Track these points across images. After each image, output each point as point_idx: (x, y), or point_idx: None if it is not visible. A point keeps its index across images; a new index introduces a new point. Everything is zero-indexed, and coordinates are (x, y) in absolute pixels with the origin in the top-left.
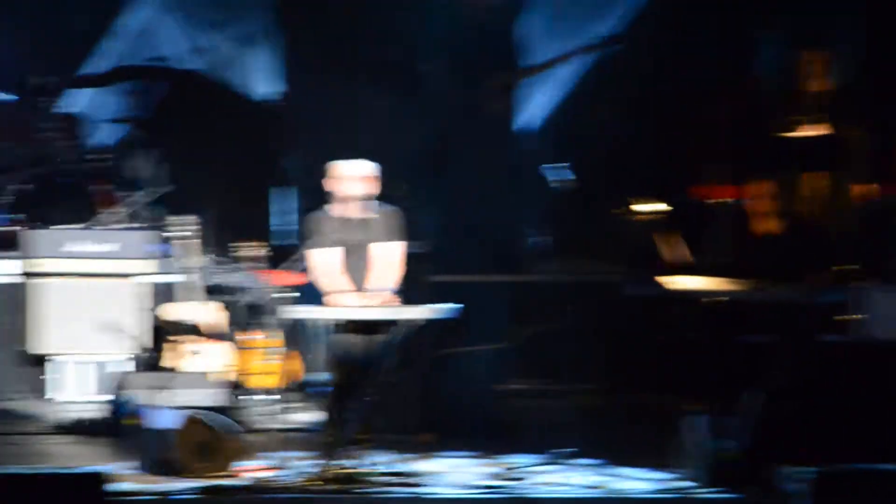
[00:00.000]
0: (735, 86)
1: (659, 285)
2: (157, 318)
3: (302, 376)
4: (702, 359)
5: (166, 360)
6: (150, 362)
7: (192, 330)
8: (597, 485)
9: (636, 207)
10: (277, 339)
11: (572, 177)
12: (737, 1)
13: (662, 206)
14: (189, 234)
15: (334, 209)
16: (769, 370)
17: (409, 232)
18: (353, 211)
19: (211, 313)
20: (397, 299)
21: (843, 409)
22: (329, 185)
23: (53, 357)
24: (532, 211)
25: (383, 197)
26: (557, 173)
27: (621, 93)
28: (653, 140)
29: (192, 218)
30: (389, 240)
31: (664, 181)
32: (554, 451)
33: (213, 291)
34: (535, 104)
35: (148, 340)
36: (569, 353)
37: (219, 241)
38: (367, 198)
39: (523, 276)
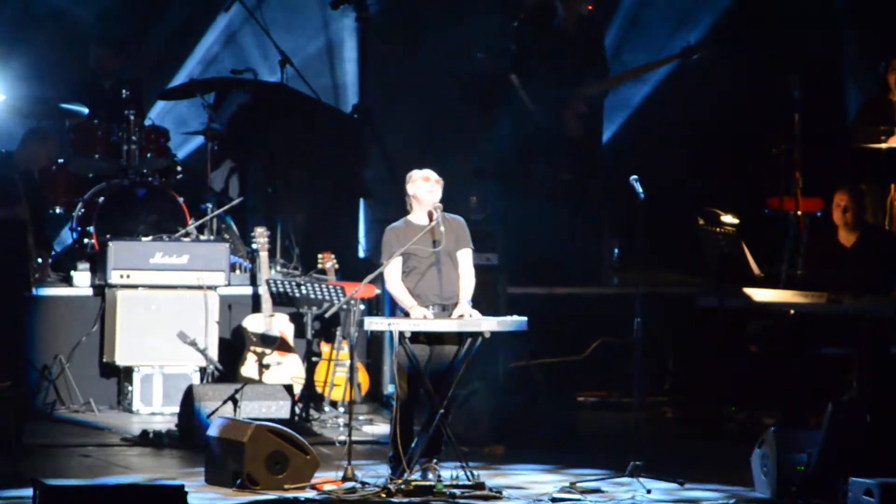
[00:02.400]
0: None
1: (734, 298)
2: (230, 330)
3: (367, 388)
4: (776, 371)
5: (239, 372)
6: (223, 374)
7: (265, 341)
8: (669, 497)
9: (714, 219)
10: (345, 351)
11: (645, 189)
12: (819, 10)
13: (740, 219)
14: (263, 245)
15: (409, 219)
16: (843, 383)
17: (484, 244)
18: (427, 220)
19: (283, 325)
20: (474, 310)
21: None
22: (407, 191)
23: (133, 368)
24: (607, 222)
25: (457, 209)
26: (634, 185)
27: (701, 103)
28: (732, 151)
29: (265, 230)
30: (463, 244)
31: (742, 193)
32: (626, 463)
33: (286, 303)
34: (617, 116)
35: (221, 352)
36: (642, 366)
37: (294, 252)
38: (440, 205)
39: (598, 289)
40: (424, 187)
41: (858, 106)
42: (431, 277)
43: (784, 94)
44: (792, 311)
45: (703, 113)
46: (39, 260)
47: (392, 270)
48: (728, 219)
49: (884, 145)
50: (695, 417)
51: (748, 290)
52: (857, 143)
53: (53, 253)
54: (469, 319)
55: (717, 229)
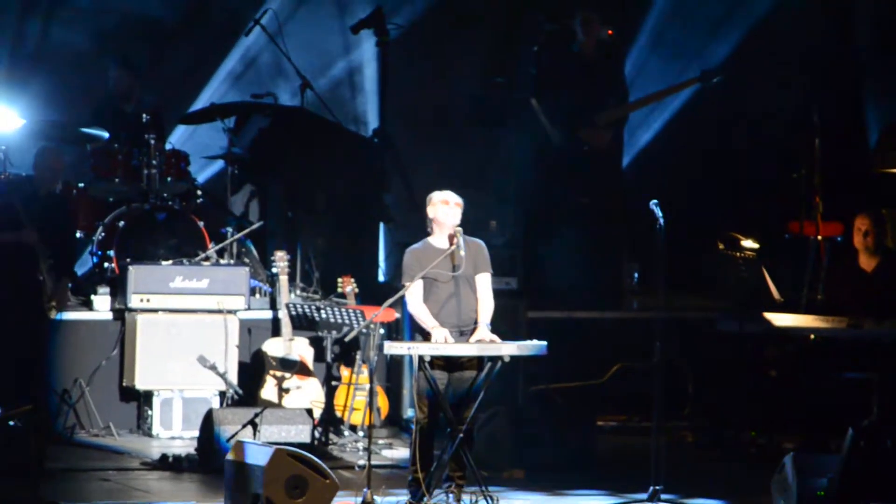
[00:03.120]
0: (838, 120)
1: (754, 322)
2: (250, 354)
3: (387, 413)
4: (796, 396)
5: (259, 396)
6: (242, 398)
7: (285, 365)
8: None
9: (734, 244)
10: (365, 375)
11: (664, 213)
12: (839, 36)
13: (760, 244)
14: (283, 269)
15: (429, 242)
16: (863, 408)
17: (503, 268)
18: (448, 243)
19: (302, 349)
20: (493, 335)
21: None
22: (427, 213)
23: (153, 392)
24: (626, 246)
25: (477, 233)
26: (654, 209)
27: (720, 127)
28: (752, 175)
29: (285, 254)
30: (482, 268)
31: (763, 217)
32: (646, 487)
33: (306, 327)
34: (638, 140)
35: (241, 376)
36: (662, 390)
37: (313, 276)
38: (460, 228)
39: (618, 313)
40: (444, 210)
41: (879, 130)
42: (450, 302)
43: (804, 119)
44: (812, 336)
45: (723, 137)
46: (70, 284)
47: (414, 293)
48: (748, 243)
49: None
50: (714, 442)
51: (768, 315)
52: (877, 168)
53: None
54: (489, 344)
55: (738, 254)
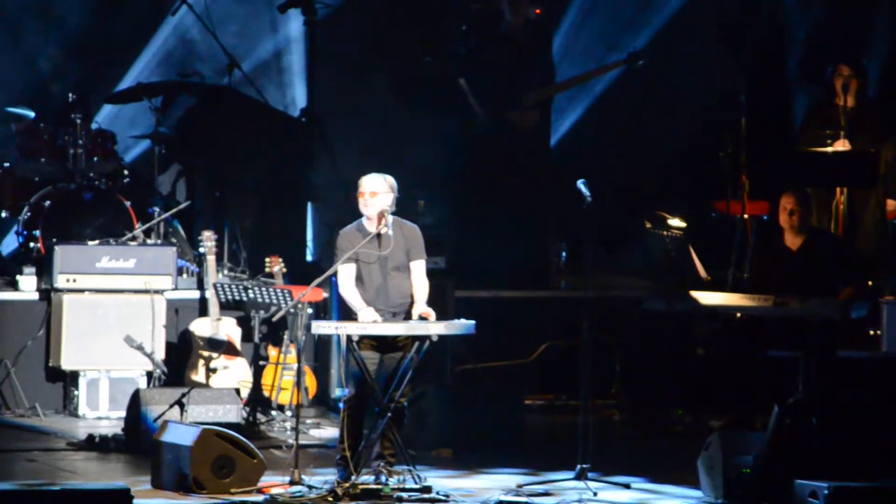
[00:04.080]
0: (764, 99)
1: (681, 301)
2: (177, 334)
3: (314, 392)
4: (723, 374)
5: (186, 376)
6: (169, 378)
7: (213, 345)
8: (616, 500)
9: (661, 223)
10: (293, 354)
11: (592, 192)
12: (766, 15)
13: (687, 222)
14: (210, 249)
15: (362, 223)
16: (789, 386)
17: (431, 248)
18: (379, 226)
19: (230, 328)
20: (431, 310)
21: (860, 425)
22: (357, 198)
23: (79, 372)
24: (554, 226)
25: (405, 213)
26: (581, 188)
27: (647, 107)
28: (678, 154)
29: (213, 234)
30: (415, 254)
31: (689, 196)
32: (574, 465)
33: (234, 307)
34: (565, 120)
35: (168, 356)
36: (589, 369)
37: (241, 256)
38: (390, 212)
39: (546, 292)
40: (360, 202)
41: (805, 110)
42: (378, 284)
43: (730, 98)
44: (739, 314)
45: (649, 117)
46: None
47: (345, 275)
48: (675, 222)
49: (829, 149)
50: (642, 420)
51: (695, 294)
52: (803, 147)
53: None
54: (417, 323)
55: (665, 232)
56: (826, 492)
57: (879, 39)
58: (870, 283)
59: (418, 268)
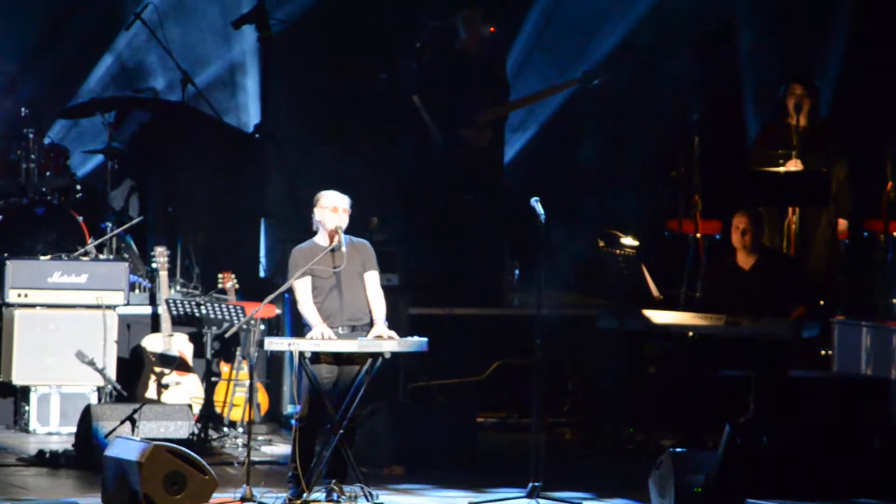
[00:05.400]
0: (717, 119)
1: (634, 319)
2: (129, 350)
3: (267, 409)
4: (674, 393)
5: (138, 392)
6: (121, 394)
7: (164, 361)
8: None
9: (614, 241)
10: (245, 371)
11: (545, 210)
12: (719, 34)
13: (639, 241)
14: (163, 264)
15: (315, 242)
16: (740, 405)
17: (385, 264)
18: (333, 242)
19: (182, 344)
20: (391, 331)
21: (811, 445)
22: (315, 214)
23: (30, 387)
24: (508, 243)
25: (358, 230)
26: (534, 206)
27: (600, 126)
28: (631, 174)
29: (165, 249)
30: (369, 266)
31: (642, 215)
32: (525, 483)
33: (186, 323)
34: (518, 138)
35: (120, 372)
36: (542, 387)
37: (194, 272)
38: (341, 227)
39: (498, 310)
40: (331, 217)
41: (757, 129)
42: (334, 299)
43: (683, 117)
44: (690, 333)
45: (603, 136)
46: None
47: (302, 290)
48: (628, 241)
49: (782, 169)
50: (594, 438)
51: (647, 312)
52: (755, 167)
53: None
54: (370, 340)
55: (617, 251)
56: None
57: (832, 59)
58: (821, 302)
59: (372, 279)
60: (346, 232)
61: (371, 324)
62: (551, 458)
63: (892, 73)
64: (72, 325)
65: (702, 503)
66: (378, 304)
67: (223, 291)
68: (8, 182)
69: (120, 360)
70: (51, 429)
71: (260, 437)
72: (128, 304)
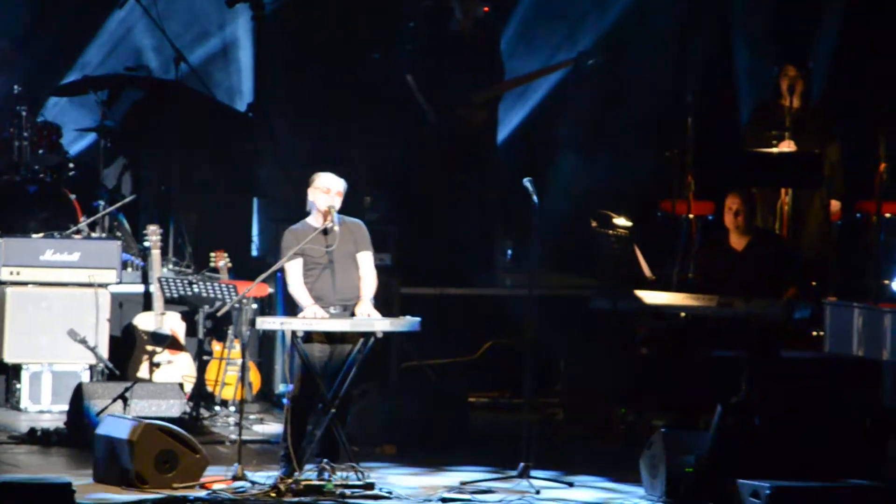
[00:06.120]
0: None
1: (626, 300)
2: (121, 328)
3: (259, 388)
4: (666, 374)
5: (130, 370)
6: (113, 372)
7: (156, 340)
8: (559, 498)
9: (607, 222)
10: (237, 350)
11: (539, 190)
12: (709, 16)
13: (632, 222)
14: (155, 243)
15: (308, 222)
16: (732, 386)
17: (377, 244)
18: (326, 222)
19: (174, 323)
20: (374, 310)
21: (803, 426)
22: (308, 195)
23: (21, 365)
24: (500, 224)
25: (351, 209)
26: (528, 187)
27: (594, 107)
28: (625, 154)
29: (158, 228)
30: (362, 246)
31: (635, 196)
32: (517, 463)
33: (178, 301)
34: (512, 118)
35: (112, 350)
36: (533, 367)
37: (186, 251)
38: (334, 207)
39: (491, 290)
40: (324, 199)
41: (750, 110)
42: (326, 279)
43: (677, 98)
44: (683, 314)
45: (596, 116)
46: None
47: (293, 272)
48: (621, 221)
49: (775, 150)
50: (585, 419)
51: (640, 293)
52: (748, 148)
53: None
54: (362, 319)
55: (610, 231)
56: (767, 492)
57: (825, 41)
58: (813, 283)
59: (365, 259)
60: (340, 212)
61: None
62: (543, 437)
63: (884, 54)
64: (64, 303)
65: (693, 483)
66: (368, 284)
67: (215, 270)
68: (1, 160)
69: (112, 339)
70: (42, 407)
71: (252, 416)
72: (120, 282)
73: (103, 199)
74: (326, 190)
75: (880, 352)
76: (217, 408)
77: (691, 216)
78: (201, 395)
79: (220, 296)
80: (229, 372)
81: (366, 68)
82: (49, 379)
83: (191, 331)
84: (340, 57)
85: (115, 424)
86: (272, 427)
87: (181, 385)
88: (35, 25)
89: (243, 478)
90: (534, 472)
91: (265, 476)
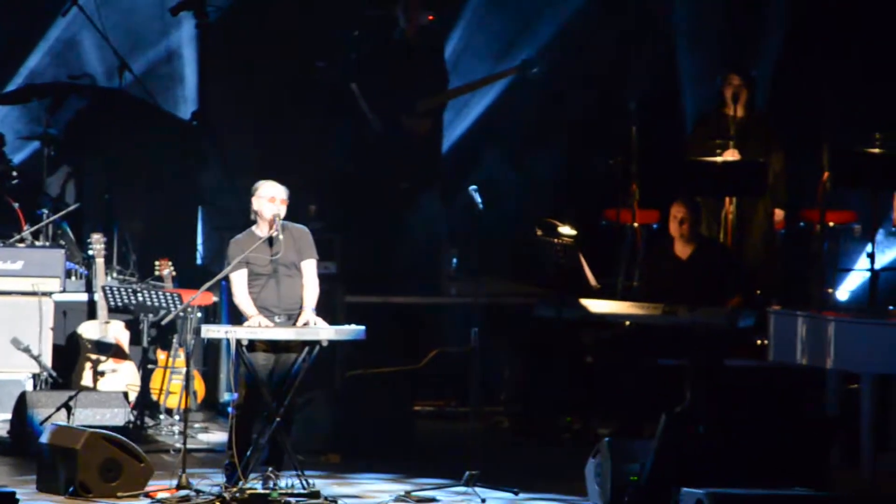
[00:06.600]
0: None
1: (571, 308)
2: (65, 337)
3: (203, 396)
4: (611, 382)
5: (74, 379)
6: (57, 381)
7: (101, 348)
8: None
9: (551, 230)
10: (181, 358)
11: (483, 198)
12: (655, 23)
13: (577, 230)
14: (100, 251)
15: (252, 231)
16: (677, 394)
17: (322, 252)
18: (271, 231)
19: (118, 332)
20: (318, 318)
21: (746, 433)
22: (252, 204)
23: None
24: (446, 232)
25: (296, 217)
26: (472, 195)
27: (538, 114)
28: (568, 162)
29: (102, 236)
30: (306, 254)
31: (578, 204)
32: (462, 472)
33: (122, 310)
34: (457, 126)
35: (55, 359)
36: (479, 375)
37: (131, 259)
38: (279, 215)
39: (436, 298)
40: (269, 207)
41: (694, 119)
42: (271, 287)
43: (621, 106)
44: (628, 322)
45: (541, 124)
46: None
47: (237, 282)
48: (566, 230)
49: (719, 159)
50: (530, 427)
51: (585, 301)
52: (692, 156)
53: None
54: (307, 328)
55: (555, 240)
56: (711, 500)
57: (768, 50)
58: (758, 292)
59: (308, 267)
60: (284, 219)
61: None
62: (488, 446)
63: (828, 63)
64: (7, 311)
65: (638, 492)
66: (311, 292)
67: (160, 279)
68: None
69: (56, 347)
70: None
71: (196, 425)
72: (64, 290)
73: (47, 207)
74: (271, 199)
75: (824, 360)
76: (162, 416)
77: (636, 224)
78: (146, 404)
79: (164, 304)
80: (174, 380)
81: (310, 76)
82: None
83: (135, 339)
84: (285, 65)
85: (59, 433)
86: (217, 436)
87: (125, 394)
88: None
89: (188, 486)
90: (479, 481)
91: (210, 485)
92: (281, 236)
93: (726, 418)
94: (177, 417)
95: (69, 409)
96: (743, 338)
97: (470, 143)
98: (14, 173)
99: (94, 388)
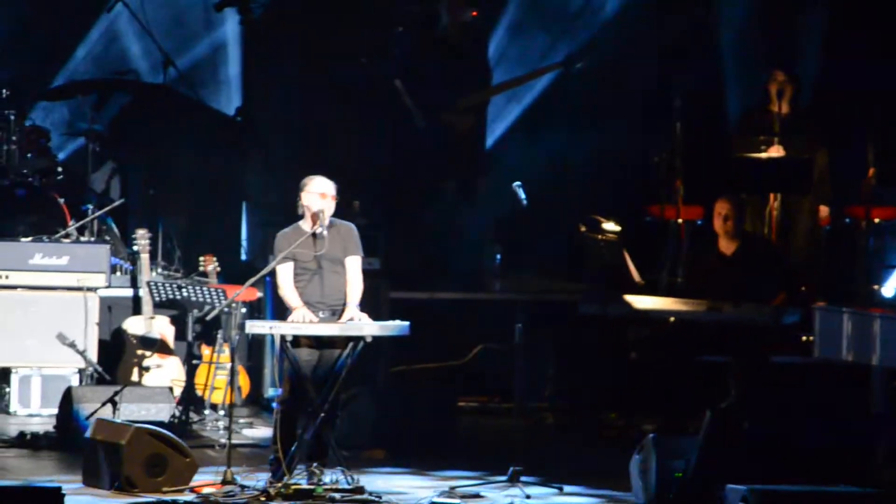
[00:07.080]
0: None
1: (616, 305)
2: (110, 332)
3: (248, 392)
4: (656, 378)
5: (120, 374)
6: (102, 376)
7: (145, 344)
8: (548, 503)
9: (595, 227)
10: (226, 354)
11: (528, 195)
12: (701, 19)
13: (621, 226)
14: (144, 247)
15: (299, 226)
16: (721, 391)
17: (366, 248)
18: (315, 226)
19: (163, 327)
20: (362, 314)
21: (791, 430)
22: (301, 198)
23: (11, 369)
24: (491, 229)
25: (340, 214)
26: (517, 191)
27: (583, 111)
28: (614, 158)
29: (146, 232)
30: (351, 251)
31: (624, 200)
32: (506, 468)
33: (167, 305)
34: (501, 122)
35: (101, 354)
36: (523, 371)
37: (175, 255)
38: (323, 210)
39: (480, 294)
40: (319, 203)
41: (739, 115)
42: (315, 283)
43: (666, 103)
44: (672, 319)
45: (585, 120)
46: None
47: (283, 275)
48: (610, 226)
49: (763, 155)
50: (575, 423)
51: (629, 298)
52: (737, 153)
53: None
54: (351, 323)
55: (599, 236)
56: (756, 496)
57: (811, 48)
58: (803, 288)
59: (352, 263)
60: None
61: None
62: (532, 442)
63: (872, 60)
64: (53, 307)
65: (682, 488)
66: (354, 288)
67: (204, 274)
68: None
69: (101, 343)
70: (32, 410)
71: (241, 420)
72: (109, 286)
73: (92, 202)
74: (322, 194)
75: (869, 357)
76: (206, 412)
77: (680, 221)
78: (191, 399)
79: (209, 300)
80: (218, 376)
81: (354, 72)
82: (38, 383)
83: (180, 335)
84: (328, 61)
85: (105, 428)
86: (262, 431)
87: (170, 389)
88: (24, 29)
89: (233, 482)
90: (523, 477)
91: (255, 480)
92: (326, 232)
93: (771, 415)
94: (221, 413)
95: (114, 405)
96: (788, 334)
97: (514, 139)
98: (59, 169)
99: (139, 384)
